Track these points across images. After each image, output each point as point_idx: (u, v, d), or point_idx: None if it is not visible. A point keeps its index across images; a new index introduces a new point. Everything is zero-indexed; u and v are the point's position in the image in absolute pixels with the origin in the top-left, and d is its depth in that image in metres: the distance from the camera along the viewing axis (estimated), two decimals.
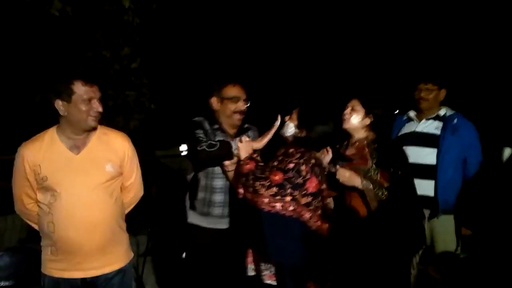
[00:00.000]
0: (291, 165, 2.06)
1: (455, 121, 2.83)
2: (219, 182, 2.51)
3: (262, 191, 2.02)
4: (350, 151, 2.38)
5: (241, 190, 2.12)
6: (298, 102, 2.35)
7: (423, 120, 2.92)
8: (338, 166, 2.29)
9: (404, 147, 2.89)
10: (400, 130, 3.02)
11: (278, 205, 2.02)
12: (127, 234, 2.28)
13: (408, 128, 2.98)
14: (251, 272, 2.22)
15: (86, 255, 2.03)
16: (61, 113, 2.00)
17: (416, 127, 2.93)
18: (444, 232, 2.81)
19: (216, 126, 2.53)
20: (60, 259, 2.05)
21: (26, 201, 2.11)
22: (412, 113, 3.03)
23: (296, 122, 2.21)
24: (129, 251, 2.26)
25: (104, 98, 2.16)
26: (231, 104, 2.50)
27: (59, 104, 1.98)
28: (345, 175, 2.24)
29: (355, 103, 2.39)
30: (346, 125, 2.41)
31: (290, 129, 2.21)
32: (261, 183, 2.03)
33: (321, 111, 2.23)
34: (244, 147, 2.23)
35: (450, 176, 2.78)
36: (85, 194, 2.01)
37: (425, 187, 2.78)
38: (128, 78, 5.39)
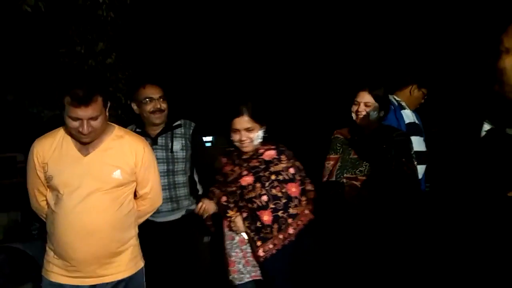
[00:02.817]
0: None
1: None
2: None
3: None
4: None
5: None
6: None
7: (411, 111, 3.17)
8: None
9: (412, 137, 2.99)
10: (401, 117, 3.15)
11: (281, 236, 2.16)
12: (135, 243, 2.12)
13: (407, 118, 3.13)
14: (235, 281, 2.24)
15: (81, 263, 1.91)
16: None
17: (413, 118, 3.15)
18: None
19: (139, 130, 2.65)
20: (58, 264, 1.94)
21: (39, 197, 2.01)
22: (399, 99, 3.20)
23: (258, 126, 2.21)
24: (136, 261, 2.11)
25: None
26: (145, 105, 2.58)
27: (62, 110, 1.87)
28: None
29: (367, 98, 2.32)
30: (363, 121, 2.35)
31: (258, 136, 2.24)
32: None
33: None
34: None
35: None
36: (85, 199, 1.88)
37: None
38: (103, 74, 5.30)
